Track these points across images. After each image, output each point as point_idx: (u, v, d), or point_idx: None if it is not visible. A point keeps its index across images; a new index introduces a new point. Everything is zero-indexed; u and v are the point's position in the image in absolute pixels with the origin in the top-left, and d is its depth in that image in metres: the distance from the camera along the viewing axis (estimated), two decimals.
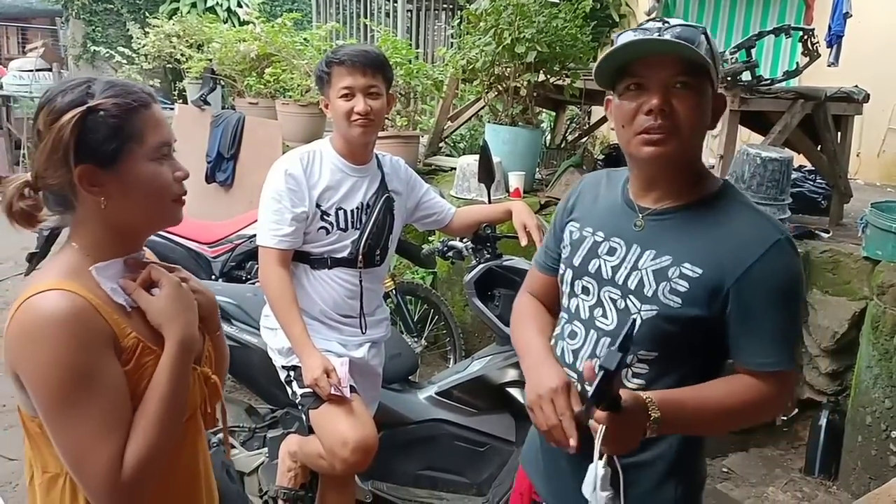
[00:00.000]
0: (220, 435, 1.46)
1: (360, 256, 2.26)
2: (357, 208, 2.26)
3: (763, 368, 1.29)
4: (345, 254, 2.26)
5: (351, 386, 2.19)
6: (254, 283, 3.55)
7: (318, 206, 2.21)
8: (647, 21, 1.34)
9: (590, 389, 1.12)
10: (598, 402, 1.13)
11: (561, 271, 1.50)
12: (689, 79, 1.25)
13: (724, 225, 1.31)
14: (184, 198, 1.23)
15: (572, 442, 1.21)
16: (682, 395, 1.27)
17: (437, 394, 2.66)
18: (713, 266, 1.28)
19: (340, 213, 2.24)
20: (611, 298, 1.37)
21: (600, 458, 1.18)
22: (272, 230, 2.17)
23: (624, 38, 1.29)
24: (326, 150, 2.26)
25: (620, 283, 1.36)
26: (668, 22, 1.29)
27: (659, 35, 1.26)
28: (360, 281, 2.29)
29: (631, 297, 1.34)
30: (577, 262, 1.44)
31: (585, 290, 1.42)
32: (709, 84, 1.29)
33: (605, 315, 1.38)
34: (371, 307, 2.37)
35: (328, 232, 2.23)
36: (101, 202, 1.13)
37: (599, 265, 1.40)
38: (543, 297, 1.60)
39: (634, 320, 1.25)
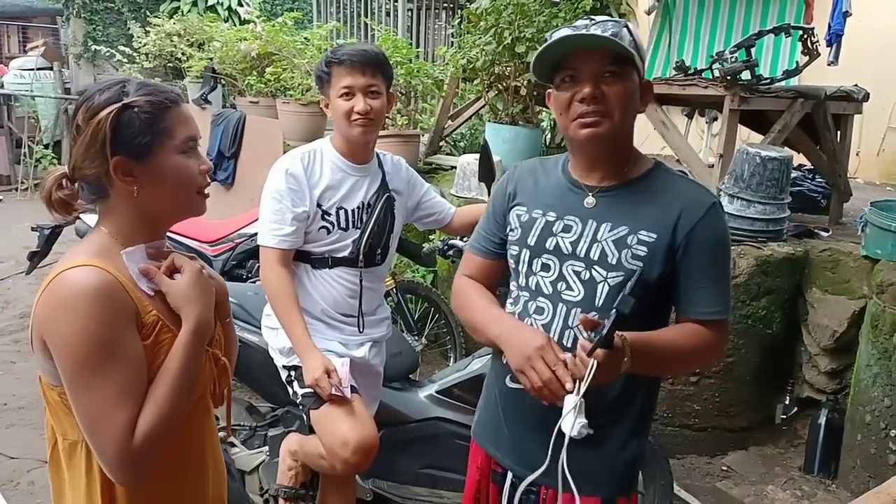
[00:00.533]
0: (223, 433, 1.50)
1: (361, 256, 2.27)
2: (358, 208, 2.26)
3: (709, 317, 1.47)
4: (346, 253, 2.27)
5: (352, 386, 2.19)
6: (255, 282, 3.56)
7: (318, 205, 2.21)
8: (577, 20, 1.48)
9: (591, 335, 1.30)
10: (606, 344, 1.27)
11: (515, 252, 1.60)
12: (616, 68, 1.42)
13: (665, 194, 1.49)
14: (207, 190, 1.32)
15: (569, 386, 1.33)
16: (648, 336, 1.42)
17: (437, 392, 2.67)
18: (664, 229, 1.45)
19: (341, 212, 2.24)
20: (574, 271, 1.50)
21: (577, 392, 1.32)
22: (273, 230, 2.18)
23: (557, 34, 1.45)
24: (327, 150, 2.26)
25: (583, 255, 1.49)
26: (593, 19, 1.44)
27: (586, 31, 1.41)
28: (361, 280, 2.30)
29: (595, 267, 1.48)
30: (531, 241, 1.55)
31: (545, 267, 1.54)
32: (634, 72, 1.44)
33: (569, 288, 1.51)
34: (371, 306, 2.38)
35: (329, 231, 2.24)
36: (134, 191, 1.23)
37: (557, 242, 1.52)
38: (482, 279, 1.71)
39: (642, 270, 1.40)
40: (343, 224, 2.25)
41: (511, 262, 1.62)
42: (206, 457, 1.40)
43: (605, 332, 1.26)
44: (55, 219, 1.29)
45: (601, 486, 1.53)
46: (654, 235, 1.45)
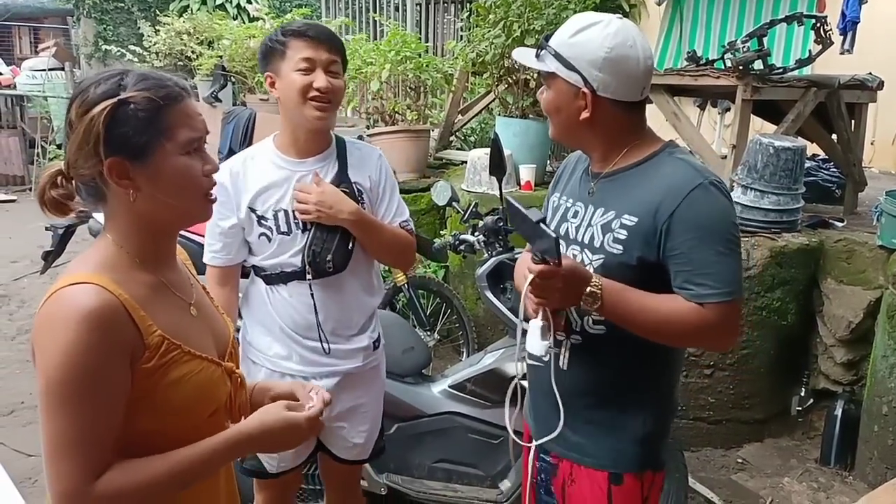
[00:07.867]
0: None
1: (308, 267, 1.93)
2: None
3: (697, 300, 1.44)
4: (296, 266, 1.95)
5: None
6: None
7: (252, 210, 1.94)
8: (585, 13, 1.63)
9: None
10: (541, 258, 1.39)
11: None
12: (545, 80, 1.57)
13: (657, 178, 1.50)
14: (213, 193, 1.24)
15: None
16: (628, 290, 1.46)
17: (450, 387, 2.67)
18: (646, 213, 1.47)
19: (280, 214, 1.94)
20: (573, 255, 1.58)
21: (536, 314, 1.47)
22: (207, 245, 2.01)
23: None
24: (266, 149, 2.00)
25: (579, 240, 1.58)
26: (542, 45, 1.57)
27: (521, 55, 1.63)
28: (312, 294, 1.96)
29: (586, 250, 1.56)
30: (553, 226, 1.66)
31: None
32: (562, 81, 1.51)
33: None
34: (340, 326, 2.02)
35: (269, 238, 1.95)
36: (131, 195, 1.13)
37: (567, 227, 1.62)
38: None
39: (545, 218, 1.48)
40: (284, 227, 1.94)
41: None
42: (219, 477, 1.31)
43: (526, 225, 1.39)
44: (68, 218, 1.20)
45: (606, 459, 1.59)
46: (635, 219, 1.48)
